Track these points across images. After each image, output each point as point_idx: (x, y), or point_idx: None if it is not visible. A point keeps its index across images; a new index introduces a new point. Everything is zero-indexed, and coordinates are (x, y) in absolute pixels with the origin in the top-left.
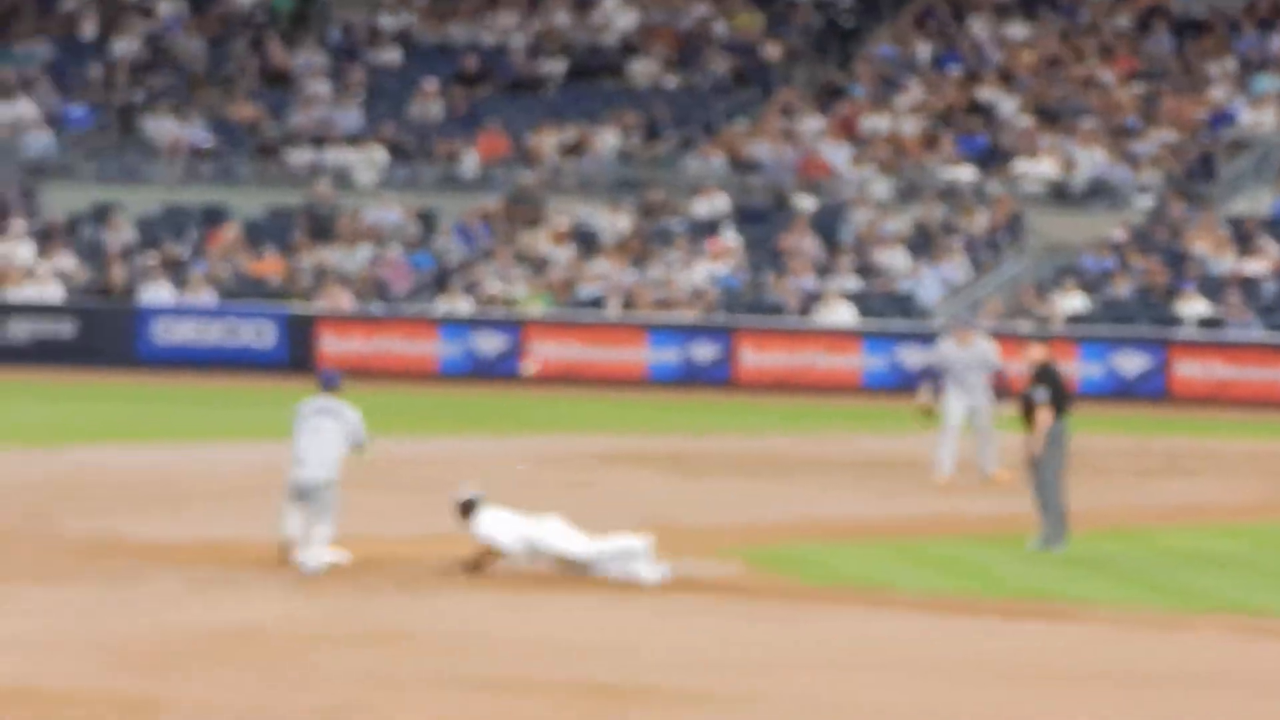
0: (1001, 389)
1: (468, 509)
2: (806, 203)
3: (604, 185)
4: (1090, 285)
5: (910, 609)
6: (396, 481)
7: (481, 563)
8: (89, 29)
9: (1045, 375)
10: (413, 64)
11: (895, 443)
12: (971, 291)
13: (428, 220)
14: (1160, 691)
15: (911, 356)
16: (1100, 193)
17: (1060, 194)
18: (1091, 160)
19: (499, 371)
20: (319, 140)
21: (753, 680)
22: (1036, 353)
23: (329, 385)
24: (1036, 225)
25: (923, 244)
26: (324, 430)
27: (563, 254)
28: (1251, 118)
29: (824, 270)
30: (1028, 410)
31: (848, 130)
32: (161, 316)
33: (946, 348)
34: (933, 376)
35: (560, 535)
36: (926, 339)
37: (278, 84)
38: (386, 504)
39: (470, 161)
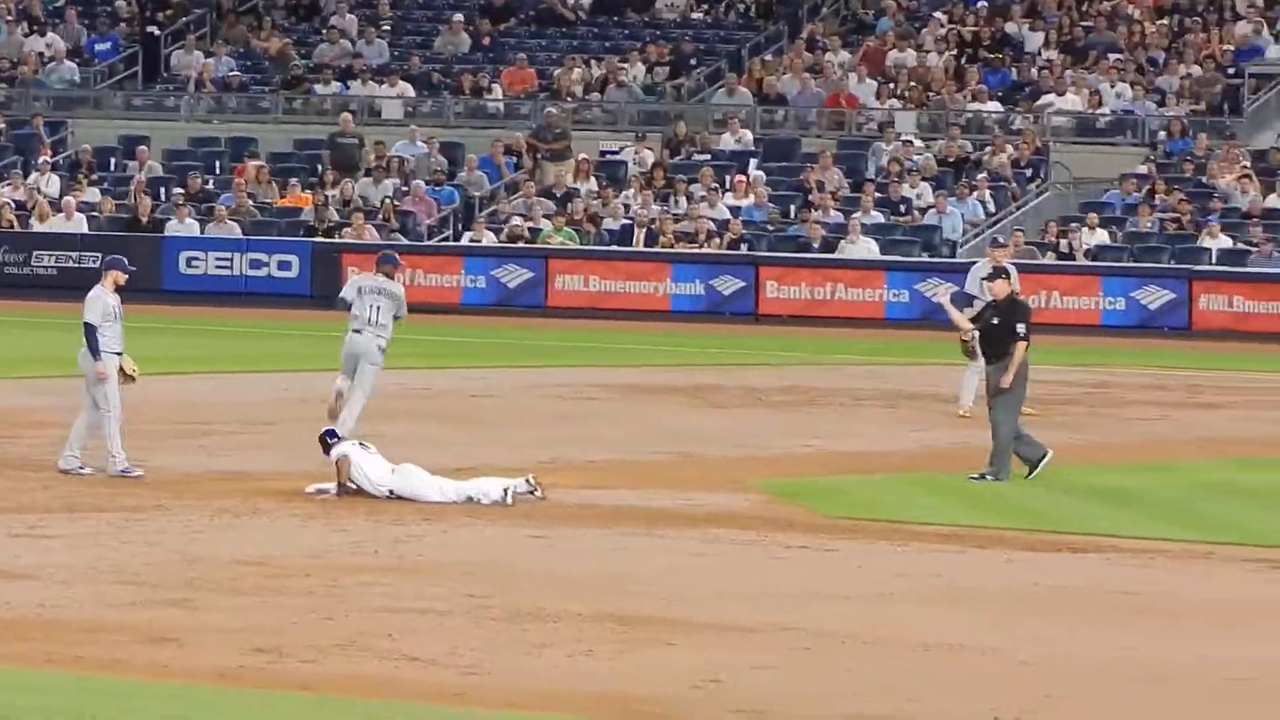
0: None
1: (325, 444)
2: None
3: (630, 119)
4: (1114, 220)
5: (936, 540)
6: (423, 412)
7: (340, 470)
8: None
9: (1017, 307)
10: None
11: (918, 375)
12: (995, 225)
13: (453, 154)
14: (1187, 622)
15: (943, 292)
16: (1126, 127)
17: (1086, 128)
18: (1117, 95)
19: (522, 304)
20: (346, 73)
21: (788, 612)
22: (1001, 287)
23: (388, 264)
24: (1062, 160)
25: (947, 178)
26: (381, 306)
27: (587, 188)
28: (1278, 52)
29: (848, 204)
30: (996, 340)
31: (874, 65)
32: (187, 249)
33: (978, 269)
34: (969, 305)
35: (421, 483)
36: (949, 273)
37: (305, 18)
38: (413, 433)
39: (496, 95)
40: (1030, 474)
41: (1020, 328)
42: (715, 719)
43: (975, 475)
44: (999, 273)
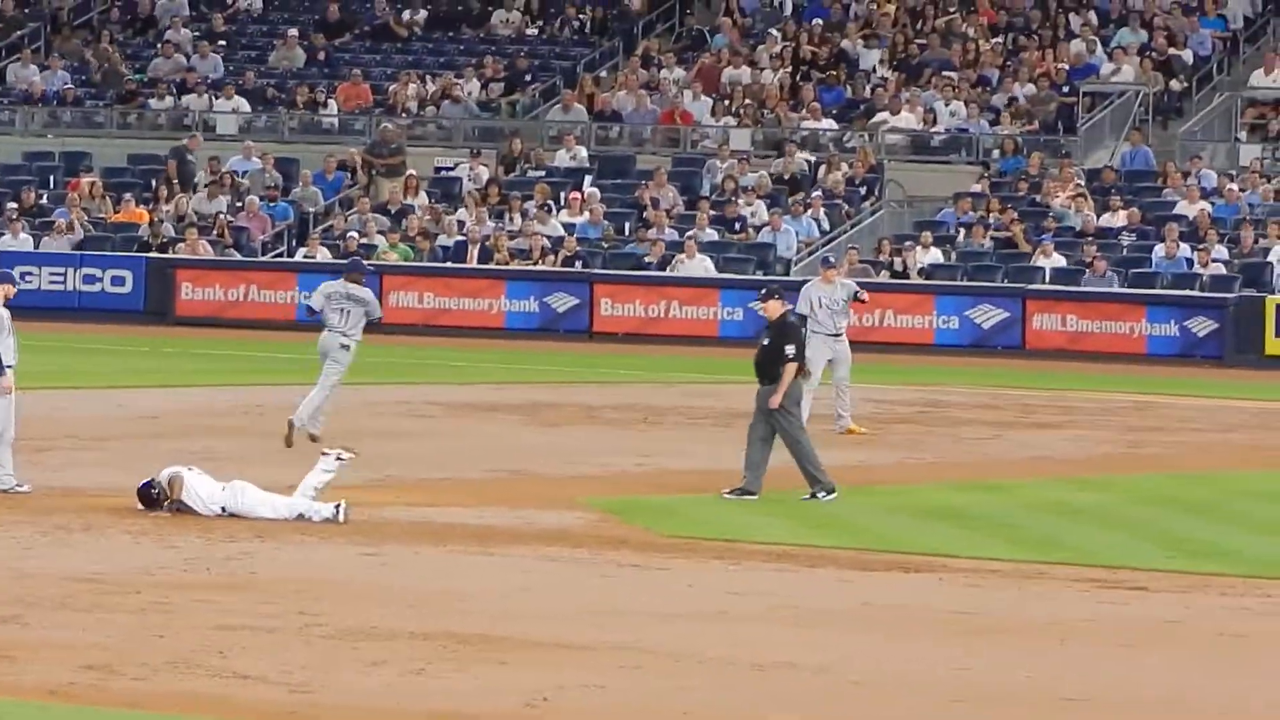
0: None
1: (146, 496)
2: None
3: (465, 135)
4: (948, 238)
5: (769, 559)
6: (257, 429)
7: (173, 487)
8: None
9: (787, 329)
10: (274, 11)
11: (751, 394)
12: (830, 243)
13: (288, 169)
14: (1015, 642)
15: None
16: (960, 145)
17: (920, 146)
18: (951, 113)
19: None
20: (181, 88)
21: (620, 631)
22: (773, 308)
23: (356, 270)
24: (897, 178)
25: (782, 196)
26: (349, 310)
27: (422, 204)
28: (1111, 71)
29: (684, 222)
30: (766, 362)
31: (709, 82)
32: (20, 264)
33: (810, 288)
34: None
35: (253, 500)
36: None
37: (140, 31)
38: (246, 450)
39: (331, 110)
40: (728, 493)
41: (789, 349)
42: None
43: (806, 495)
44: (771, 293)
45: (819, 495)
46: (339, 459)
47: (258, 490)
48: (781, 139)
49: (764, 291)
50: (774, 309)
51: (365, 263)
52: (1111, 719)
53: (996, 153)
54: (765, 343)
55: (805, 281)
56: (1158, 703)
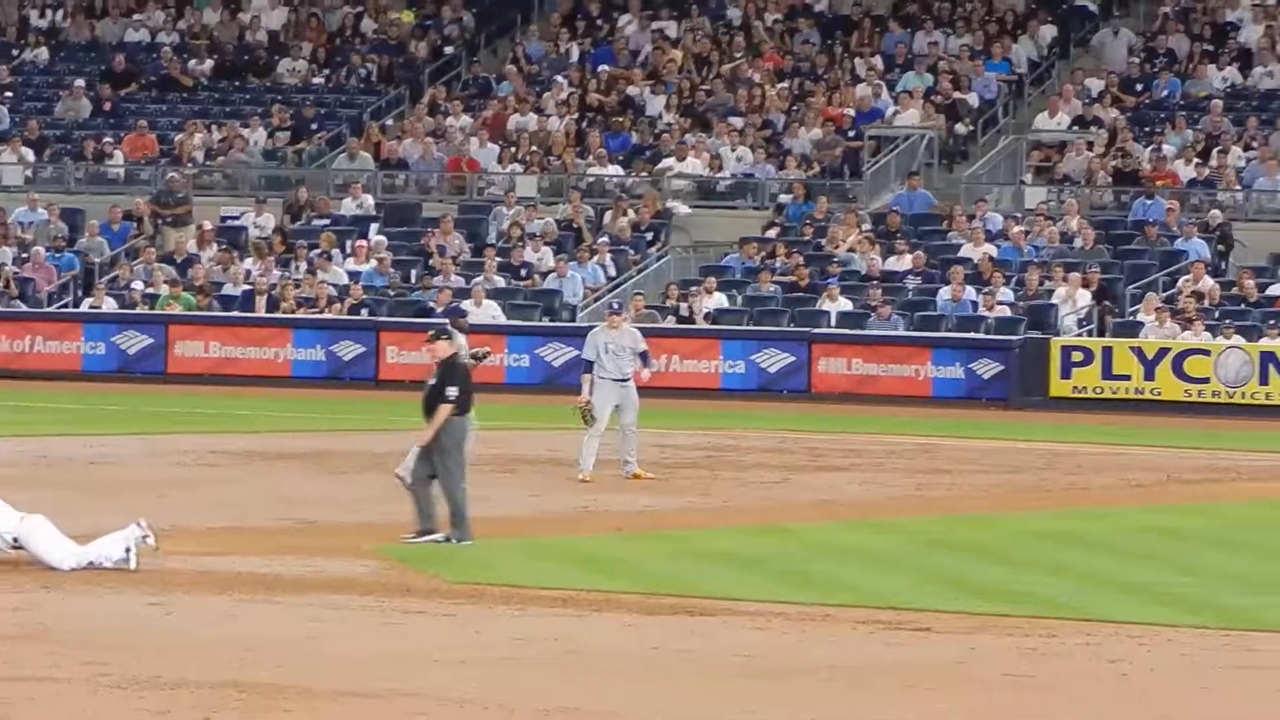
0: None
1: None
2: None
3: (251, 184)
4: (734, 283)
5: (555, 604)
6: (41, 479)
7: None
8: None
9: (454, 370)
10: (60, 62)
11: (538, 440)
12: (617, 289)
13: (73, 220)
14: (802, 684)
15: (562, 355)
16: (746, 190)
17: (707, 192)
18: (738, 158)
19: (143, 370)
20: None
21: (407, 678)
22: (441, 349)
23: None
24: (682, 223)
25: (568, 242)
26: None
27: (208, 253)
28: (895, 115)
29: (470, 269)
30: (430, 402)
31: (495, 129)
32: None
33: (596, 334)
34: (590, 372)
35: (46, 540)
36: (570, 338)
37: None
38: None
39: (117, 161)
40: (413, 538)
41: (451, 391)
42: None
43: (416, 538)
44: (439, 334)
45: (452, 540)
46: (145, 539)
47: (54, 530)
48: (568, 186)
49: (431, 333)
50: (441, 349)
51: (149, 311)
52: None
53: (784, 197)
54: (431, 382)
55: (591, 328)
56: None
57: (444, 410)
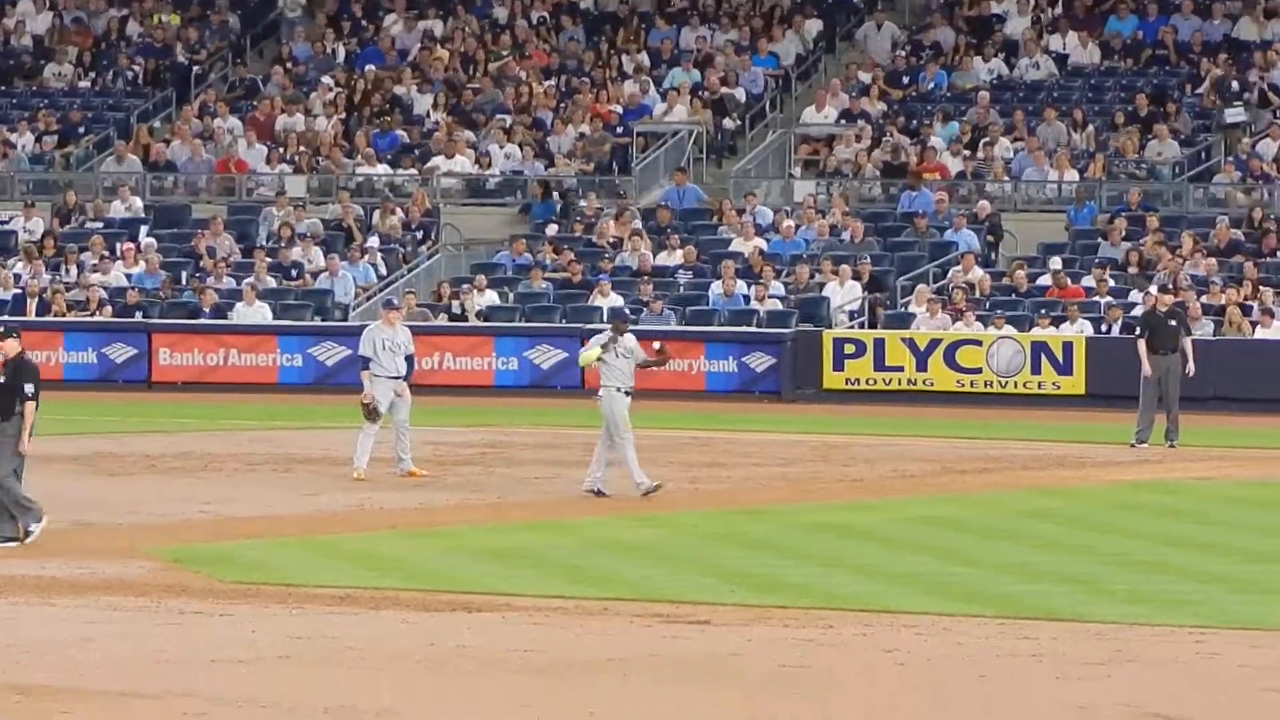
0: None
1: None
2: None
3: (19, 188)
4: (506, 280)
5: (331, 602)
6: None
7: None
8: None
9: (25, 368)
10: None
11: (311, 439)
12: (387, 288)
13: None
14: (580, 679)
15: (335, 354)
16: (516, 188)
17: (476, 190)
18: (506, 156)
19: None
20: None
21: (184, 678)
22: (10, 346)
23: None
24: (453, 221)
25: (338, 242)
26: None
27: None
28: (664, 111)
29: (241, 269)
30: (3, 400)
31: (263, 130)
32: None
33: (372, 330)
34: (368, 369)
35: None
36: (342, 336)
37: None
38: None
39: None
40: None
41: (28, 388)
42: None
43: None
44: (8, 333)
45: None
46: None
47: None
48: (336, 185)
49: (1, 331)
50: (11, 347)
51: None
52: None
53: (553, 193)
54: (1, 380)
55: (365, 326)
56: None
57: (30, 408)
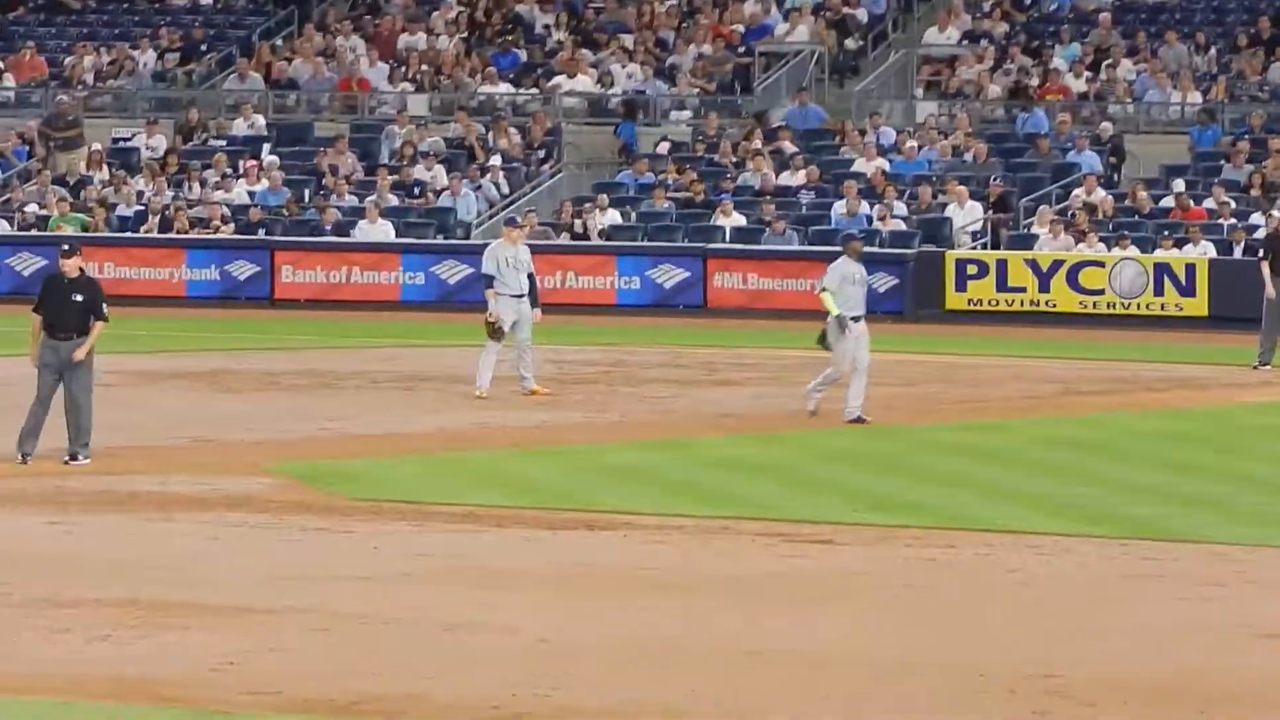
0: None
1: None
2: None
3: (142, 106)
4: (628, 199)
5: (455, 520)
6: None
7: None
8: None
9: (96, 288)
10: None
11: (435, 357)
12: (509, 207)
13: None
14: (703, 597)
15: (458, 272)
16: (638, 107)
17: (598, 109)
18: (628, 75)
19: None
20: None
21: (306, 594)
22: (73, 265)
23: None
24: (574, 140)
25: (461, 160)
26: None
27: (100, 175)
28: (786, 31)
29: (363, 188)
30: (84, 320)
31: (385, 48)
32: None
33: (495, 248)
34: (491, 287)
35: None
36: (465, 255)
37: None
38: None
39: (7, 84)
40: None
41: (105, 308)
42: (232, 701)
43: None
44: (72, 251)
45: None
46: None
47: None
48: (459, 104)
49: (65, 248)
50: (73, 266)
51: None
52: (792, 672)
53: (675, 114)
54: (80, 299)
55: (487, 244)
56: (839, 656)
57: (98, 327)
